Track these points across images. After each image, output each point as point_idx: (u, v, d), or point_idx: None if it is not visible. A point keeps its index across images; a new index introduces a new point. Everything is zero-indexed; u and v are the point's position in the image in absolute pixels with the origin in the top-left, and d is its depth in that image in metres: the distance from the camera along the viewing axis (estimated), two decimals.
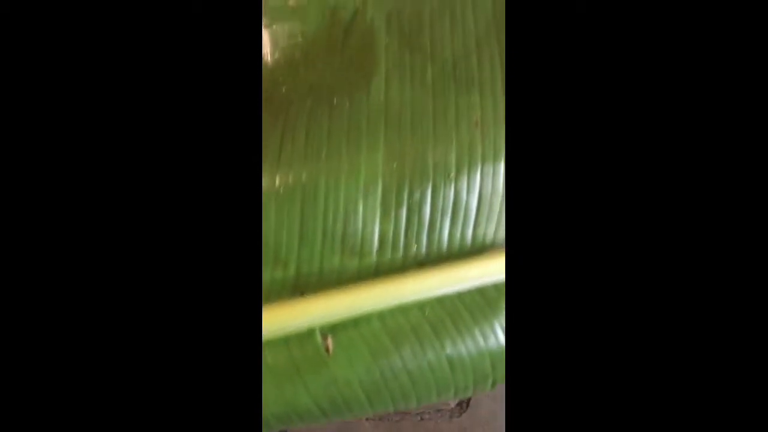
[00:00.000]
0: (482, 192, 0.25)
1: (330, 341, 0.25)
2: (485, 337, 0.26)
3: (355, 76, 0.27)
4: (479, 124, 0.25)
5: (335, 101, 0.26)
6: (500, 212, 0.26)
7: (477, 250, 0.26)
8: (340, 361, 0.25)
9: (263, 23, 0.28)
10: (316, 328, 0.25)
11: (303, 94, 0.27)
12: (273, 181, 0.25)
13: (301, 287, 0.25)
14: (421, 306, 0.26)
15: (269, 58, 0.28)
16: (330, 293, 0.25)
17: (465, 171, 0.25)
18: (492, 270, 0.26)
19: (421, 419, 0.46)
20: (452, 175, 0.25)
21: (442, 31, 0.28)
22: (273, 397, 0.25)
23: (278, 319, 0.25)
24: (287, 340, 0.25)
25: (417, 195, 0.25)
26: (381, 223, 0.25)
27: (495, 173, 0.25)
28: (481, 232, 0.26)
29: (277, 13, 0.28)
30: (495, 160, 0.25)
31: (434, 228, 0.26)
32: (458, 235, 0.26)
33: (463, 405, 0.47)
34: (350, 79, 0.27)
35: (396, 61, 0.27)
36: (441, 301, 0.26)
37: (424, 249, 0.26)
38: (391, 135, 0.25)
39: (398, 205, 0.25)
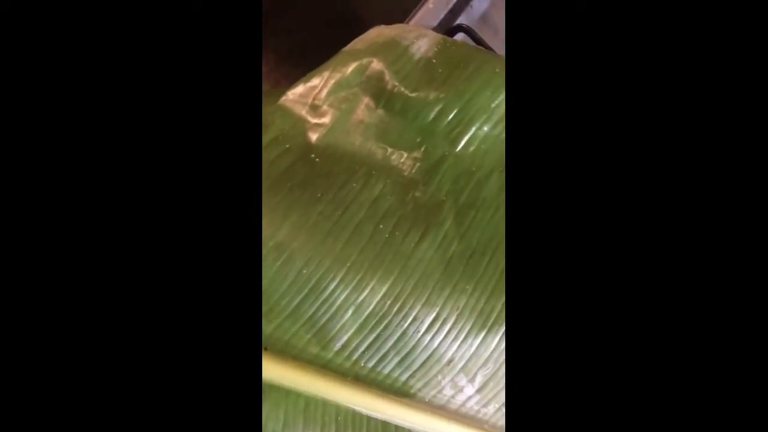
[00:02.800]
0: (435, 357, 0.32)
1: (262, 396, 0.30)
2: None
3: (420, 217, 0.33)
4: (460, 309, 0.32)
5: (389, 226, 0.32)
6: (450, 384, 0.32)
7: (404, 394, 0.32)
8: None
9: None
10: None
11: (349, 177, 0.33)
12: (290, 238, 0.30)
13: (268, 344, 0.31)
14: (338, 409, 0.31)
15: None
16: (285, 361, 0.30)
17: (431, 333, 0.32)
18: (404, 416, 0.32)
19: None
20: (422, 331, 0.32)
21: (483, 217, 0.34)
22: None
23: None
24: None
25: (389, 331, 0.32)
26: (353, 334, 0.31)
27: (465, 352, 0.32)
28: (417, 385, 0.33)
29: None
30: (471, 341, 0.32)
31: (384, 360, 0.32)
32: (400, 377, 0.32)
33: None
34: (409, 210, 0.33)
35: (441, 223, 0.33)
36: (354, 415, 0.32)
37: (367, 370, 0.32)
38: (401, 275, 0.31)
39: (372, 329, 0.31)
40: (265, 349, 0.30)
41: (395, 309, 0.31)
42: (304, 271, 0.30)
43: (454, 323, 0.32)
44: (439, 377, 0.33)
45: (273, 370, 0.30)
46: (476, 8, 0.57)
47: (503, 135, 0.38)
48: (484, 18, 0.59)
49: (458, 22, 0.54)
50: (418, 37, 0.39)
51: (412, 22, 0.51)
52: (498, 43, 0.56)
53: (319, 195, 0.32)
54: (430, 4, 0.51)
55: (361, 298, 0.31)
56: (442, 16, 0.52)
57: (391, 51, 0.38)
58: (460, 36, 0.54)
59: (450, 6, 0.52)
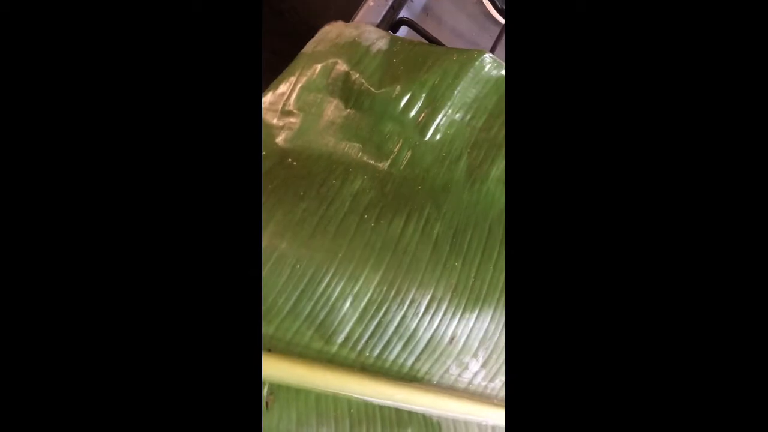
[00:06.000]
0: (436, 337, 0.33)
1: (272, 398, 0.29)
2: None
3: (401, 204, 0.34)
4: (453, 287, 0.33)
5: (366, 215, 0.33)
6: (455, 362, 0.33)
7: (412, 379, 0.33)
8: (272, 416, 0.29)
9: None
10: (267, 383, 0.29)
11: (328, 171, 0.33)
12: (278, 237, 0.30)
13: (271, 345, 0.30)
14: (350, 401, 0.31)
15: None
16: (290, 360, 0.30)
17: (429, 314, 0.33)
18: (415, 400, 0.32)
19: None
20: (421, 313, 0.32)
21: (459, 197, 0.36)
22: None
23: None
24: None
25: (389, 316, 0.32)
26: (354, 324, 0.31)
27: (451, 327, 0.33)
28: (424, 367, 0.33)
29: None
30: (457, 317, 0.33)
31: (389, 347, 0.32)
32: (406, 362, 0.32)
33: None
34: (389, 200, 0.34)
35: (421, 207, 0.34)
36: (366, 405, 0.32)
37: (373, 359, 0.32)
38: (393, 261, 0.32)
39: (372, 317, 0.32)
40: (269, 350, 0.30)
41: (392, 294, 0.32)
42: (297, 266, 0.30)
43: (450, 301, 0.33)
44: (444, 357, 0.33)
45: (279, 370, 0.30)
46: (417, 1, 0.58)
47: (467, 119, 0.39)
48: (426, 10, 0.60)
49: (400, 16, 0.55)
50: (378, 38, 0.40)
51: (354, 21, 0.53)
52: (443, 33, 0.58)
53: (301, 193, 0.32)
54: (370, 2, 0.52)
55: (357, 287, 0.31)
56: (384, 12, 0.52)
57: (354, 51, 0.39)
58: (404, 30, 0.55)
59: (390, 2, 0.53)
